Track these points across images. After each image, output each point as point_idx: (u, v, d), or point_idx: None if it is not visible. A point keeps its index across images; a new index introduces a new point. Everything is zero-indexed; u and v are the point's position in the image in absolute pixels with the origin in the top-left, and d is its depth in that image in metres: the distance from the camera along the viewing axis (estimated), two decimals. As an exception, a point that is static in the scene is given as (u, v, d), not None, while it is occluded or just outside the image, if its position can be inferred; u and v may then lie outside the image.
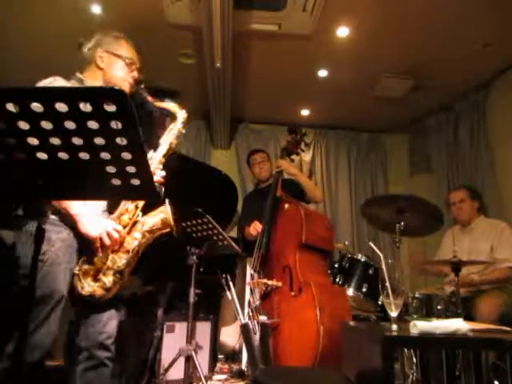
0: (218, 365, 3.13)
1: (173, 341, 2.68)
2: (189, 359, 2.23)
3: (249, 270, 2.72)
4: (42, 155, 0.93)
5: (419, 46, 3.36)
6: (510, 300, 2.56)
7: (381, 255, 1.58)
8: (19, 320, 1.36)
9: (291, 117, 4.77)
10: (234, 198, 3.62)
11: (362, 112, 4.64)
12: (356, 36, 3.28)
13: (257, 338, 2.27)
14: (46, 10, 3.08)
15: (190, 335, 2.28)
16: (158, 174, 1.69)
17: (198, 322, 2.85)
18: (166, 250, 2.37)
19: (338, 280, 2.86)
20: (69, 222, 1.53)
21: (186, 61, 3.70)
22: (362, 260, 2.89)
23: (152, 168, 1.62)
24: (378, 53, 3.48)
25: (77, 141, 0.90)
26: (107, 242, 1.55)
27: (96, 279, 1.55)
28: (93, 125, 0.87)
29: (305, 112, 4.75)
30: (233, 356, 3.28)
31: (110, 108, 0.84)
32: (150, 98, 1.80)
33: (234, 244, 2.39)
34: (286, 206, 2.69)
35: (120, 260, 1.59)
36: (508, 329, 1.52)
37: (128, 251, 1.62)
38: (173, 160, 1.82)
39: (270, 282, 2.43)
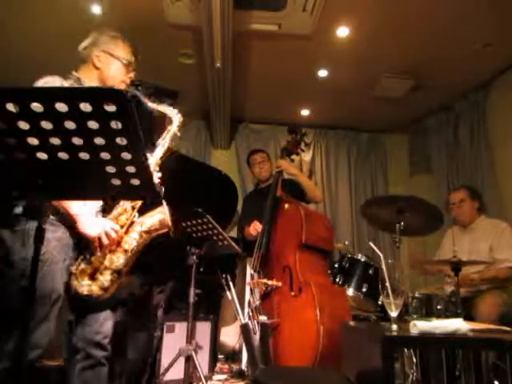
0: (218, 365, 3.13)
1: (173, 341, 2.68)
2: (189, 359, 2.24)
3: (249, 270, 2.72)
4: (42, 155, 0.93)
5: (419, 46, 3.36)
6: (510, 300, 2.56)
7: (381, 255, 1.58)
8: (18, 320, 1.36)
9: (291, 117, 4.77)
10: (233, 198, 3.62)
11: (362, 112, 4.64)
12: (356, 36, 3.28)
13: (257, 338, 2.27)
14: (46, 10, 3.08)
15: (190, 335, 2.28)
16: (155, 176, 1.69)
17: (198, 322, 2.85)
18: (165, 250, 2.38)
19: (338, 280, 2.86)
20: (67, 221, 1.53)
21: (185, 61, 3.70)
22: (362, 260, 2.89)
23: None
24: (378, 53, 3.48)
25: (77, 141, 0.90)
26: (105, 241, 1.55)
27: (93, 278, 1.55)
28: (93, 125, 0.87)
29: (305, 112, 4.75)
30: (233, 356, 3.28)
31: (110, 108, 0.84)
32: (146, 100, 1.79)
33: (234, 244, 2.39)
34: (286, 206, 2.69)
35: (118, 260, 1.60)
36: (508, 329, 1.52)
37: (126, 251, 1.62)
38: (171, 160, 1.83)
39: (270, 282, 2.43)
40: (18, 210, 1.48)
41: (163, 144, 1.77)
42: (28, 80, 1.57)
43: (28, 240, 1.44)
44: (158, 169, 1.72)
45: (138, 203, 1.69)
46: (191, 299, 2.30)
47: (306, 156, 4.93)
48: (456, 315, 2.12)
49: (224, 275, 2.63)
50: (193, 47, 3.50)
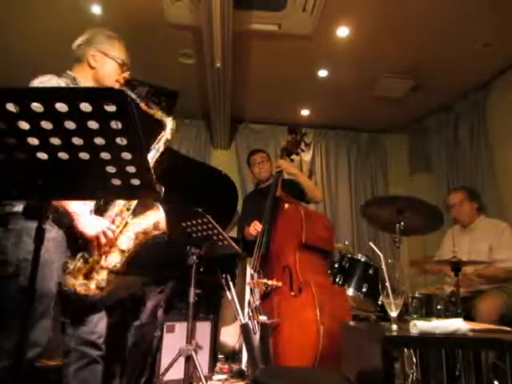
0: (218, 365, 3.13)
1: (173, 341, 2.67)
2: (189, 359, 2.23)
3: (249, 270, 2.72)
4: (42, 155, 0.93)
5: (419, 46, 3.36)
6: (510, 300, 2.56)
7: (381, 255, 1.58)
8: (13, 318, 1.37)
9: (291, 117, 4.77)
10: (234, 198, 3.62)
11: (362, 112, 4.64)
12: (356, 36, 3.28)
13: (257, 338, 2.27)
14: (46, 10, 3.08)
15: (190, 335, 2.28)
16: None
17: (198, 322, 2.85)
18: (165, 250, 2.38)
19: (338, 280, 2.86)
20: (60, 221, 1.53)
21: (185, 61, 3.70)
22: (362, 260, 2.89)
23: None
24: (378, 53, 3.48)
25: (77, 141, 0.90)
26: (103, 241, 1.56)
27: (90, 278, 1.55)
28: (93, 125, 0.87)
29: (305, 112, 4.75)
30: (233, 356, 3.28)
31: (110, 108, 0.84)
32: (142, 105, 1.79)
33: (234, 244, 2.39)
34: (286, 205, 2.69)
35: (114, 260, 1.60)
36: (508, 329, 1.52)
37: (122, 251, 1.63)
38: (170, 160, 1.83)
39: (270, 282, 2.43)
40: (10, 208, 1.48)
41: (157, 148, 1.77)
42: (28, 80, 1.57)
43: (22, 239, 1.44)
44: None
45: (133, 204, 1.69)
46: (191, 299, 2.29)
47: (306, 156, 4.93)
48: (456, 315, 2.12)
49: (224, 275, 2.63)
50: (193, 47, 3.50)
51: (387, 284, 1.47)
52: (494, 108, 3.84)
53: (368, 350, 1.39)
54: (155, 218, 1.74)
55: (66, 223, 1.54)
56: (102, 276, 1.56)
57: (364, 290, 2.78)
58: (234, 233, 3.69)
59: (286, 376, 1.57)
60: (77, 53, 1.72)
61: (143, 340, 2.66)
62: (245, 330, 2.32)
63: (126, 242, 1.65)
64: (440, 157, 4.50)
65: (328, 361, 2.08)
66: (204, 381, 2.23)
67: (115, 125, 0.88)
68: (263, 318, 2.32)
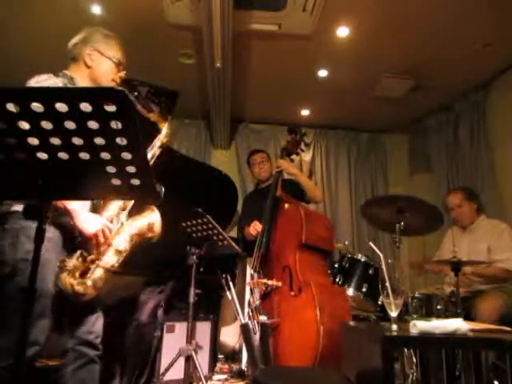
0: (218, 365, 3.13)
1: (173, 341, 2.67)
2: (189, 359, 2.23)
3: (249, 270, 2.72)
4: (42, 155, 0.93)
5: (419, 46, 3.36)
6: (510, 300, 2.56)
7: (381, 255, 1.58)
8: (11, 318, 1.37)
9: (291, 117, 4.77)
10: (234, 198, 3.62)
11: (362, 112, 4.64)
12: (356, 36, 3.28)
13: (257, 338, 2.27)
14: (46, 10, 3.08)
15: (190, 335, 2.28)
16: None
17: (198, 322, 2.85)
18: (165, 250, 2.38)
19: (337, 280, 2.86)
20: (62, 221, 1.53)
21: (185, 61, 3.70)
22: (362, 260, 2.89)
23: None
24: (378, 53, 3.48)
25: (77, 141, 0.90)
26: (101, 240, 1.56)
27: (86, 277, 1.55)
28: (93, 125, 0.87)
29: (305, 112, 4.75)
30: (233, 356, 3.28)
31: (110, 108, 0.84)
32: (139, 107, 1.80)
33: (234, 244, 2.39)
34: (286, 205, 2.69)
35: (110, 259, 1.60)
36: (508, 329, 1.52)
37: (118, 251, 1.63)
38: (170, 160, 1.84)
39: (269, 282, 2.43)
40: (7, 207, 1.48)
41: (152, 153, 1.78)
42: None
43: (19, 240, 1.44)
44: None
45: (129, 205, 1.70)
46: (191, 299, 2.29)
47: (306, 156, 4.93)
48: (456, 315, 2.12)
49: (224, 275, 2.63)
50: (193, 47, 3.50)
51: (387, 284, 1.47)
52: (494, 108, 3.84)
53: (368, 350, 1.39)
54: (150, 219, 1.74)
55: (62, 223, 1.54)
56: (99, 275, 1.56)
57: (364, 289, 2.78)
58: (234, 233, 3.69)
59: (286, 376, 1.57)
60: (73, 52, 1.71)
61: (143, 340, 2.66)
62: (245, 330, 2.32)
63: (122, 242, 1.65)
64: (440, 157, 4.50)
65: (328, 361, 2.08)
66: (204, 381, 2.23)
67: (115, 125, 0.88)
68: (263, 318, 2.32)
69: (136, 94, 1.83)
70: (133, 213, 1.72)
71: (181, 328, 2.73)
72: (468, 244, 2.92)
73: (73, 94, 0.86)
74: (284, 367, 2.15)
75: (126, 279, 2.57)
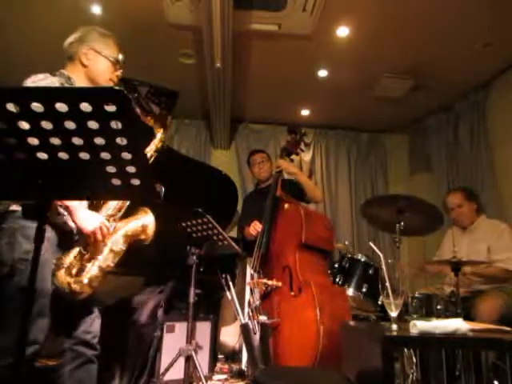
0: (218, 365, 3.12)
1: (173, 341, 2.67)
2: (189, 359, 2.23)
3: (249, 270, 2.72)
4: (42, 155, 0.93)
5: (419, 46, 3.36)
6: (510, 300, 2.56)
7: (381, 255, 1.58)
8: (10, 317, 1.37)
9: (291, 117, 4.77)
10: (234, 198, 3.62)
11: (362, 112, 4.64)
12: (356, 36, 3.28)
13: (257, 338, 2.27)
14: (46, 10, 3.08)
15: (190, 335, 2.28)
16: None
17: (198, 322, 2.85)
18: (165, 250, 2.38)
19: (337, 280, 2.86)
20: (58, 221, 1.53)
21: (185, 61, 3.70)
22: (362, 260, 2.89)
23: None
24: (378, 53, 3.48)
25: (77, 141, 0.90)
26: (99, 237, 1.56)
27: (82, 275, 1.55)
28: (93, 125, 0.87)
29: (305, 112, 4.75)
30: (233, 356, 3.28)
31: (110, 108, 0.84)
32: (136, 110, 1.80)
33: (234, 244, 2.39)
34: (286, 205, 2.69)
35: (106, 258, 1.61)
36: (508, 329, 1.52)
37: (113, 251, 1.63)
38: (170, 159, 1.84)
39: (269, 282, 2.43)
40: (4, 207, 1.48)
41: (149, 156, 1.78)
42: (28, 80, 1.57)
43: (16, 239, 1.43)
44: None
45: (124, 206, 1.70)
46: (191, 299, 2.29)
47: (306, 156, 4.93)
48: (456, 315, 2.12)
49: (224, 275, 2.63)
50: (193, 47, 3.50)
51: (387, 284, 1.47)
52: (494, 108, 3.84)
53: (368, 350, 1.39)
54: (144, 221, 1.75)
55: (59, 223, 1.54)
56: (95, 274, 1.56)
57: (364, 290, 2.78)
58: (234, 233, 3.69)
59: (286, 376, 1.57)
60: (69, 51, 1.70)
61: (143, 340, 2.66)
62: (245, 330, 2.32)
63: (116, 242, 1.65)
64: (440, 157, 4.50)
65: (328, 361, 2.08)
66: (204, 381, 2.23)
67: (115, 125, 0.88)
68: (263, 318, 2.32)
69: (136, 94, 1.83)
70: (127, 214, 1.73)
71: (181, 328, 2.73)
72: (468, 244, 2.92)
73: (73, 94, 0.86)
74: (284, 367, 2.15)
75: (126, 279, 2.57)
